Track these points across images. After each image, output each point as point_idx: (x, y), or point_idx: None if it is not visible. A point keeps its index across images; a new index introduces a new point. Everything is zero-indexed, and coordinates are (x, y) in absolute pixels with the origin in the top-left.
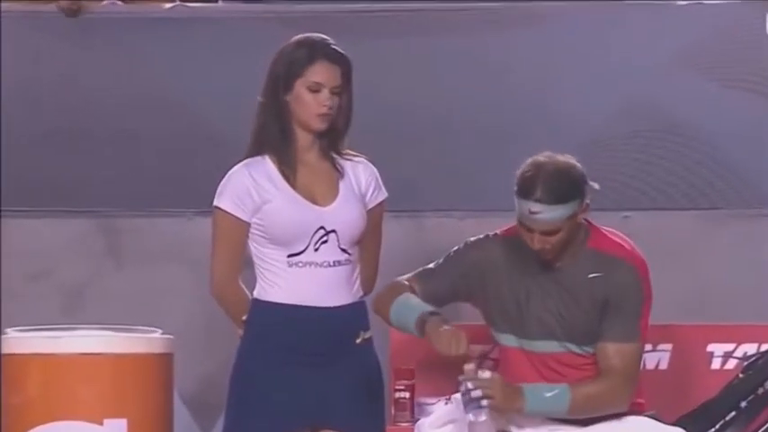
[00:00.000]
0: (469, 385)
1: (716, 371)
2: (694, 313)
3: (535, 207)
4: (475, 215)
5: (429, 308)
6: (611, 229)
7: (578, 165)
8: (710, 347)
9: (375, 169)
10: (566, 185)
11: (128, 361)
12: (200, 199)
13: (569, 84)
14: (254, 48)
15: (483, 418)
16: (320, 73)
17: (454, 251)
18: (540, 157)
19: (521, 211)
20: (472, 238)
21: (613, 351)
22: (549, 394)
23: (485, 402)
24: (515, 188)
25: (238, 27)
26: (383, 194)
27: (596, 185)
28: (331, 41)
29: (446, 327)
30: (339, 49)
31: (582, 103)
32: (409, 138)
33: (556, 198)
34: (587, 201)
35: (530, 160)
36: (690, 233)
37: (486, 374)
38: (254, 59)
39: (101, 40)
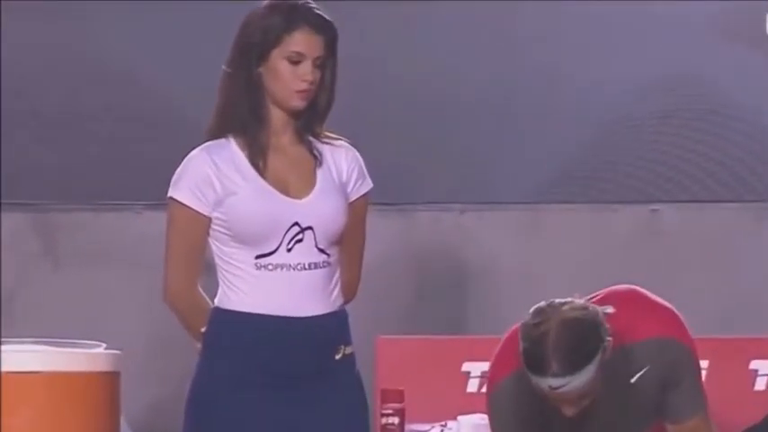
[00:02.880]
0: None
1: (760, 392)
2: (735, 324)
3: (555, 382)
4: (476, 209)
5: None
6: (614, 290)
7: (586, 305)
8: (754, 364)
9: (358, 155)
10: (583, 345)
11: (67, 381)
12: (151, 190)
13: (590, 54)
14: (217, 15)
15: None
16: (301, 42)
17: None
18: (537, 318)
19: (539, 388)
20: (491, 407)
21: (695, 427)
22: None
23: None
24: (523, 361)
25: None
26: (368, 185)
27: (610, 309)
28: (313, 4)
29: None
30: (323, 14)
31: (605, 76)
32: (400, 118)
33: (577, 364)
34: (609, 338)
35: (527, 325)
36: (730, 229)
37: None
38: (217, 28)
39: (34, 7)
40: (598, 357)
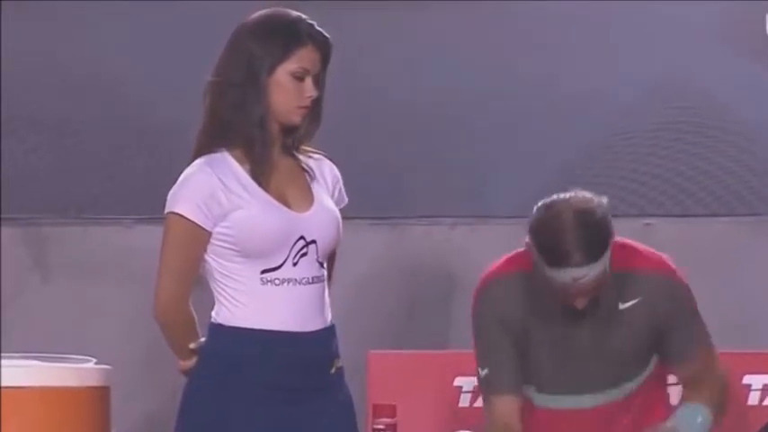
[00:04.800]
0: None
1: (754, 407)
2: (729, 338)
3: (578, 272)
4: (468, 223)
5: None
6: (622, 240)
7: (593, 196)
8: (747, 379)
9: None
10: (599, 231)
11: (57, 396)
12: (142, 204)
13: (584, 68)
14: (208, 23)
15: None
16: (307, 58)
17: (479, 329)
18: (553, 210)
19: (561, 282)
20: (479, 298)
21: (703, 360)
22: (699, 419)
23: None
24: (540, 257)
25: None
26: (345, 200)
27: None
28: (310, 19)
29: None
30: (323, 31)
31: (598, 87)
32: (390, 130)
33: (597, 252)
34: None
35: (540, 220)
36: (724, 244)
37: None
38: (209, 36)
39: (24, 10)
40: (610, 246)
